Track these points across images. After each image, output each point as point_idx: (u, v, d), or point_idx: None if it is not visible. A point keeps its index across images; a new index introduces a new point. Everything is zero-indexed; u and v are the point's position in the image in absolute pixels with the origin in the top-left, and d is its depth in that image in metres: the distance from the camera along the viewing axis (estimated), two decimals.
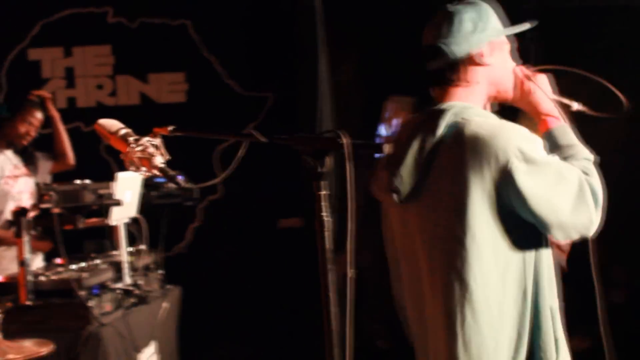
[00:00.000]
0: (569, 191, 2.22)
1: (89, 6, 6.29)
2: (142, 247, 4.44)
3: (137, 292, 4.20)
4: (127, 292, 4.13)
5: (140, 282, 4.26)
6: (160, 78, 6.38)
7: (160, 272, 4.66)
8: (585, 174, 2.29)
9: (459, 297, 2.26)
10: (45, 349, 2.97)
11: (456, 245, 2.25)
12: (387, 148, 1.88)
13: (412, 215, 2.40)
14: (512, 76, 2.46)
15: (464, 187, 2.22)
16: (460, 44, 2.36)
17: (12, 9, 6.18)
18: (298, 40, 5.97)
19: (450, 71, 2.38)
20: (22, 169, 4.83)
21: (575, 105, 2.56)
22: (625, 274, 6.45)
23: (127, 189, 4.22)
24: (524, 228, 2.26)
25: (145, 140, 2.02)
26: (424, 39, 2.43)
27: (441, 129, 2.28)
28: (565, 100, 2.55)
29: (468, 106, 2.34)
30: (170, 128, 2.04)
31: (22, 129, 4.74)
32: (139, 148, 2.00)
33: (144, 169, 2.02)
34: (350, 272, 1.84)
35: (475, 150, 2.21)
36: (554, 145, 2.40)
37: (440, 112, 2.31)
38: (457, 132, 2.26)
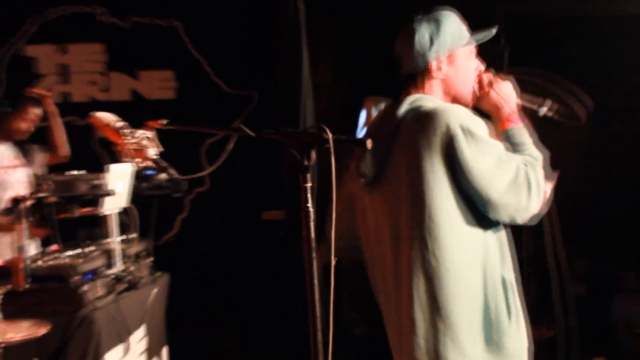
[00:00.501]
0: (504, 174, 2.30)
1: (83, 5, 6.24)
2: (133, 235, 4.41)
3: (128, 278, 4.17)
4: (118, 278, 4.11)
5: (131, 268, 4.23)
6: (150, 75, 6.34)
7: (150, 259, 4.64)
8: (526, 165, 2.37)
9: (416, 264, 2.33)
10: (43, 329, 2.95)
11: (414, 213, 2.32)
12: (369, 143, 1.88)
13: (378, 200, 2.48)
14: (473, 81, 2.54)
15: (417, 162, 2.30)
16: (417, 59, 2.46)
17: (10, 6, 6.12)
18: (281, 41, 5.94)
19: (409, 82, 2.50)
20: (20, 160, 4.79)
21: (543, 110, 2.60)
22: (588, 267, 6.51)
23: (119, 180, 4.19)
24: (475, 204, 2.33)
25: (140, 132, 2.01)
26: (394, 50, 2.54)
27: (400, 112, 2.39)
28: (532, 105, 2.60)
29: (427, 96, 2.45)
30: (163, 122, 2.03)
31: (23, 125, 4.71)
32: (134, 140, 1.99)
33: (137, 160, 2.00)
34: (333, 260, 1.84)
35: (425, 126, 2.30)
36: (509, 141, 2.47)
37: (400, 102, 2.43)
38: (412, 114, 2.37)
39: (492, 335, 2.34)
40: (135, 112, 6.04)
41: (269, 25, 6.05)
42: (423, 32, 2.45)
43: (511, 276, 2.42)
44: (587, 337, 5.76)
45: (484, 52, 2.62)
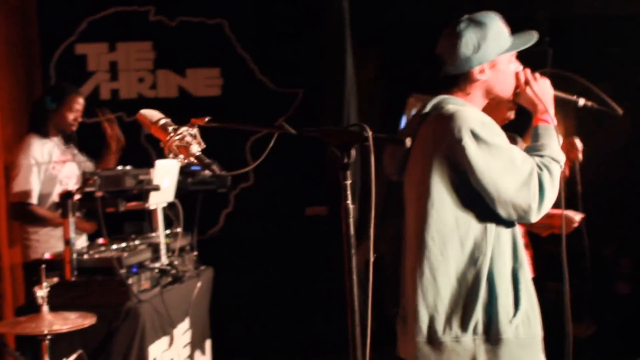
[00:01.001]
0: (516, 176, 2.36)
1: (132, 5, 6.33)
2: (178, 229, 4.46)
3: (173, 271, 4.22)
4: (163, 272, 4.16)
5: (176, 262, 4.28)
6: (197, 73, 6.41)
7: (194, 253, 4.69)
8: (541, 169, 2.42)
9: (420, 254, 2.42)
10: (88, 321, 3.00)
11: (421, 207, 2.43)
12: (408, 142, 1.89)
13: (404, 189, 2.56)
14: (512, 82, 2.59)
15: (426, 162, 2.40)
16: (461, 64, 2.51)
17: (61, 6, 6.24)
18: (326, 39, 5.97)
19: (450, 82, 2.56)
20: (69, 155, 4.87)
21: (581, 101, 2.67)
22: (632, 266, 6.43)
23: (165, 176, 4.24)
24: (485, 202, 2.40)
25: (184, 129, 2.04)
26: (437, 48, 2.59)
27: (423, 113, 2.49)
28: (570, 97, 2.67)
29: (451, 97, 2.53)
30: (206, 119, 2.06)
31: (70, 116, 4.76)
32: (178, 137, 2.02)
33: (181, 156, 2.04)
34: (372, 257, 1.86)
35: (438, 128, 2.40)
36: (534, 140, 2.55)
37: (428, 101, 2.52)
38: (433, 115, 2.46)
39: (495, 326, 2.40)
40: (182, 109, 6.18)
41: (314, 23, 6.08)
42: (469, 38, 2.49)
43: (524, 271, 2.46)
44: (631, 336, 5.69)
45: (528, 52, 2.64)
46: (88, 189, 3.81)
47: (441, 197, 2.39)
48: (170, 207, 4.44)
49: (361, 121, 5.86)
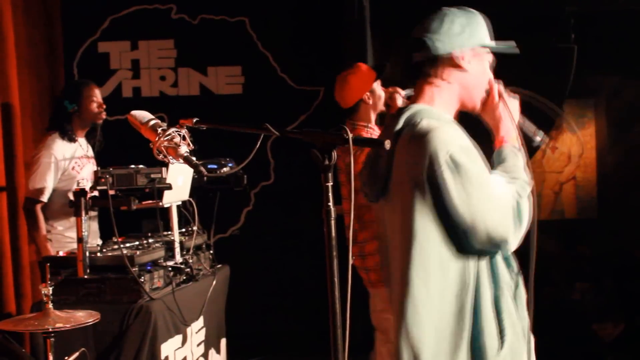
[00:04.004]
0: (493, 207, 2.22)
1: (154, 3, 6.40)
2: (194, 228, 4.49)
3: (187, 270, 4.25)
4: (177, 270, 4.19)
5: (190, 260, 4.30)
6: (218, 71, 6.46)
7: (210, 252, 4.72)
8: (520, 195, 2.30)
9: (404, 289, 2.28)
10: (92, 319, 3.04)
11: (404, 240, 2.28)
12: (387, 144, 1.89)
13: (385, 212, 2.44)
14: (485, 88, 2.47)
15: (405, 185, 2.25)
16: (444, 42, 2.37)
17: (85, 5, 6.33)
18: (347, 37, 5.97)
19: (428, 65, 2.40)
20: (90, 156, 4.93)
21: (538, 139, 2.55)
22: None
23: (180, 174, 4.27)
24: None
25: (172, 130, 2.06)
26: (414, 33, 2.44)
27: (397, 128, 2.32)
28: (529, 131, 2.54)
29: (426, 108, 2.36)
30: (194, 120, 2.07)
31: (94, 106, 4.81)
32: (166, 138, 2.04)
33: (170, 157, 2.06)
34: (351, 260, 1.86)
35: (414, 150, 2.24)
36: (500, 162, 2.41)
37: (398, 115, 2.35)
38: (407, 131, 2.30)
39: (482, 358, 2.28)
40: (204, 107, 6.21)
41: (335, 21, 6.08)
42: (454, 18, 2.38)
43: (505, 297, 2.33)
44: None
45: (553, 49, 2.56)
46: (100, 187, 3.86)
47: (424, 229, 2.24)
48: (187, 205, 4.48)
49: (381, 121, 5.88)
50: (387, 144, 1.88)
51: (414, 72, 2.44)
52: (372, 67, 4.49)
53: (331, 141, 1.87)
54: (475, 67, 2.41)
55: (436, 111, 2.37)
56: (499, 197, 2.24)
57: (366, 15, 5.86)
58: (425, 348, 2.27)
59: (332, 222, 1.87)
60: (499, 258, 2.34)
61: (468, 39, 2.38)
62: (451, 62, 2.39)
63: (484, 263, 2.31)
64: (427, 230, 2.24)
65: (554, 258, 6.53)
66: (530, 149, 2.49)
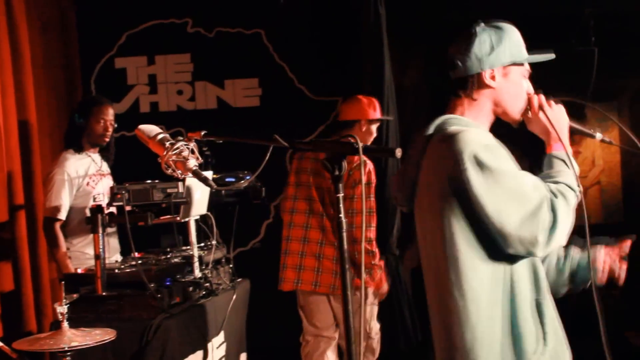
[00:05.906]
0: (522, 205, 2.21)
1: (170, 17, 6.41)
2: (213, 242, 4.47)
3: (206, 284, 4.22)
4: (196, 285, 4.16)
5: (210, 275, 4.28)
6: (235, 84, 6.46)
7: (230, 265, 4.69)
8: (555, 195, 2.27)
9: (439, 298, 2.31)
10: (108, 337, 3.02)
11: (435, 247, 2.31)
12: (398, 152, 1.86)
13: (416, 218, 2.46)
14: (523, 101, 2.49)
15: (433, 189, 2.29)
16: (473, 63, 2.42)
17: (101, 20, 6.35)
18: (364, 47, 5.95)
19: (459, 85, 2.47)
20: (105, 171, 4.93)
21: (599, 135, 2.54)
22: None
23: (197, 189, 4.25)
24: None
25: (180, 144, 2.03)
26: (449, 51, 2.51)
27: (428, 133, 2.39)
28: (587, 130, 2.55)
29: (454, 117, 2.41)
30: (202, 133, 2.05)
31: (98, 127, 4.82)
32: (174, 151, 2.02)
33: (179, 171, 2.03)
34: (364, 275, 1.83)
35: (442, 153, 2.29)
36: (548, 167, 2.42)
37: (430, 122, 2.43)
38: (438, 136, 2.35)
39: None
40: (222, 120, 6.20)
41: (352, 31, 6.06)
42: (484, 38, 2.43)
43: (547, 302, 2.34)
44: None
45: (574, 52, 2.58)
46: (116, 203, 3.84)
47: (454, 233, 2.25)
48: (205, 219, 4.45)
49: (402, 129, 5.84)
50: (399, 152, 1.85)
51: (447, 88, 2.52)
52: (379, 119, 4.78)
53: (341, 151, 1.84)
54: (506, 84, 2.45)
55: (466, 119, 2.42)
56: (525, 194, 2.23)
57: (383, 23, 5.83)
58: (459, 357, 2.28)
59: (344, 234, 1.82)
60: (539, 263, 2.36)
61: (499, 57, 2.42)
62: (480, 80, 2.44)
63: (521, 267, 2.30)
64: (457, 237, 2.26)
65: None
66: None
